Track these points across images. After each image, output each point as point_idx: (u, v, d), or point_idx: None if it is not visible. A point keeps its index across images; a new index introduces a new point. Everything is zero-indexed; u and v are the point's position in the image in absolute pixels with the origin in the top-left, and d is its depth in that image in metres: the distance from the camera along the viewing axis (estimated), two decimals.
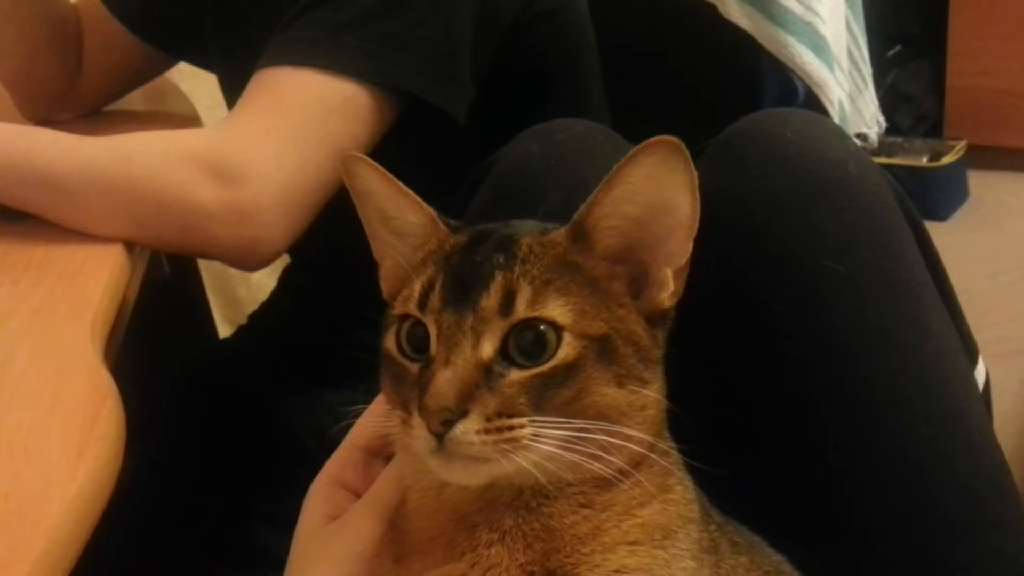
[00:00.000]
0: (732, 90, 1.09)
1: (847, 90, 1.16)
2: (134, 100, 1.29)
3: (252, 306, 1.35)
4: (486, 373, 0.47)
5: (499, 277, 0.49)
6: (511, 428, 0.47)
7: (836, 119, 1.09)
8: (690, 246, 0.52)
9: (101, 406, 0.62)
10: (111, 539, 0.59)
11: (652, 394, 0.52)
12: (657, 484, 0.52)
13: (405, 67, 0.93)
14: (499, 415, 0.47)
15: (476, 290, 0.49)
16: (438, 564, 0.51)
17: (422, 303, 0.50)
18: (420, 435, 0.47)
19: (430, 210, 0.55)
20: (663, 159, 0.50)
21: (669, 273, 0.53)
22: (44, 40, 1.18)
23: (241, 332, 1.31)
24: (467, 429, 0.46)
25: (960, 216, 2.72)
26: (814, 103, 1.07)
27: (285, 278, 1.29)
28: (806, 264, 0.67)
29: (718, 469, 0.53)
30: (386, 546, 0.54)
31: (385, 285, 0.57)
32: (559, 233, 0.52)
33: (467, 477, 0.48)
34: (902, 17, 2.86)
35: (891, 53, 2.90)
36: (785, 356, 0.68)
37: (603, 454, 0.49)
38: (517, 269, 0.49)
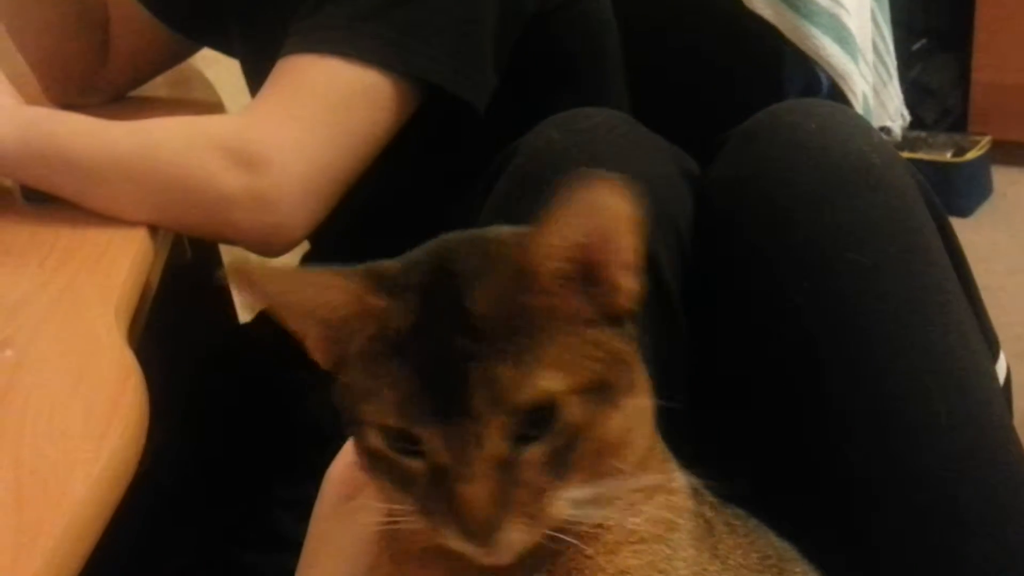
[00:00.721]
0: (755, 81, 1.08)
1: (871, 83, 1.16)
2: (157, 86, 1.30)
3: None
4: (505, 468, 0.44)
5: (475, 371, 0.44)
6: (546, 510, 0.45)
7: (860, 112, 1.08)
8: (635, 241, 0.48)
9: (125, 385, 0.63)
10: (132, 520, 0.59)
11: (644, 398, 0.49)
12: (661, 472, 0.51)
13: (427, 56, 0.93)
14: (533, 503, 0.45)
15: (458, 392, 0.44)
16: (442, 572, 0.49)
17: (404, 414, 0.46)
18: (462, 548, 0.45)
19: (356, 285, 0.47)
20: (595, 190, 0.45)
21: (622, 275, 0.48)
22: (72, 25, 1.19)
23: (262, 317, 1.31)
24: (510, 532, 0.44)
25: (983, 212, 2.70)
26: (838, 95, 1.06)
27: (305, 265, 1.30)
28: (828, 255, 0.67)
29: (736, 464, 0.52)
30: (383, 539, 0.53)
31: (320, 357, 0.51)
32: (505, 279, 0.46)
33: (509, 559, 0.46)
34: (928, 10, 2.83)
35: (916, 47, 2.87)
36: (805, 349, 0.68)
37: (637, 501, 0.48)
38: (490, 351, 0.44)
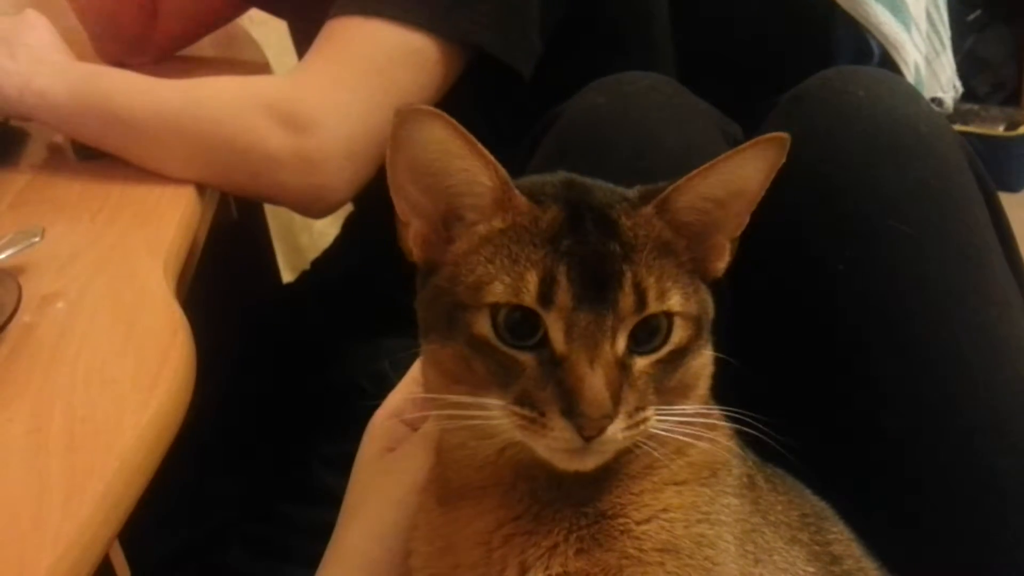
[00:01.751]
0: (805, 48, 1.06)
1: (924, 53, 1.13)
2: (204, 46, 1.31)
3: (314, 253, 1.37)
4: (622, 369, 0.47)
5: (628, 273, 0.48)
6: (645, 420, 0.48)
7: (911, 81, 1.06)
8: (748, 219, 0.53)
9: (173, 339, 0.64)
10: (177, 472, 0.61)
11: (710, 351, 0.53)
12: (705, 420, 0.52)
13: (474, 21, 0.92)
14: (637, 409, 0.47)
15: (610, 288, 0.47)
16: (493, 509, 0.51)
17: (544, 298, 0.47)
18: (564, 437, 0.46)
19: (504, 173, 0.50)
20: (771, 156, 0.50)
21: (727, 243, 0.53)
22: None
23: (304, 278, 1.33)
24: (616, 430, 0.46)
25: None
26: (889, 64, 1.05)
27: (347, 227, 1.31)
28: (871, 223, 0.67)
29: (775, 429, 0.53)
30: (432, 483, 0.56)
31: (417, 249, 0.53)
32: (647, 209, 0.51)
33: (590, 465, 0.48)
34: None
35: (971, 17, 2.80)
36: (845, 314, 0.68)
37: (703, 432, 0.50)
38: (637, 260, 0.48)
